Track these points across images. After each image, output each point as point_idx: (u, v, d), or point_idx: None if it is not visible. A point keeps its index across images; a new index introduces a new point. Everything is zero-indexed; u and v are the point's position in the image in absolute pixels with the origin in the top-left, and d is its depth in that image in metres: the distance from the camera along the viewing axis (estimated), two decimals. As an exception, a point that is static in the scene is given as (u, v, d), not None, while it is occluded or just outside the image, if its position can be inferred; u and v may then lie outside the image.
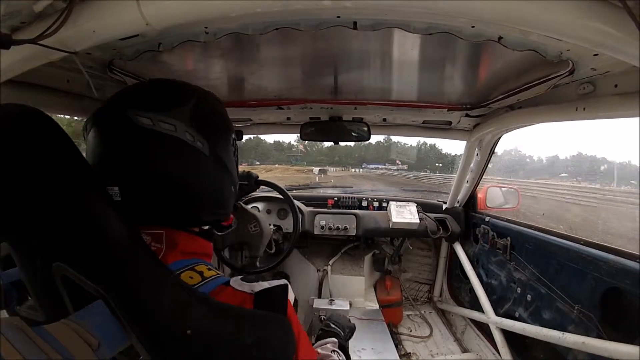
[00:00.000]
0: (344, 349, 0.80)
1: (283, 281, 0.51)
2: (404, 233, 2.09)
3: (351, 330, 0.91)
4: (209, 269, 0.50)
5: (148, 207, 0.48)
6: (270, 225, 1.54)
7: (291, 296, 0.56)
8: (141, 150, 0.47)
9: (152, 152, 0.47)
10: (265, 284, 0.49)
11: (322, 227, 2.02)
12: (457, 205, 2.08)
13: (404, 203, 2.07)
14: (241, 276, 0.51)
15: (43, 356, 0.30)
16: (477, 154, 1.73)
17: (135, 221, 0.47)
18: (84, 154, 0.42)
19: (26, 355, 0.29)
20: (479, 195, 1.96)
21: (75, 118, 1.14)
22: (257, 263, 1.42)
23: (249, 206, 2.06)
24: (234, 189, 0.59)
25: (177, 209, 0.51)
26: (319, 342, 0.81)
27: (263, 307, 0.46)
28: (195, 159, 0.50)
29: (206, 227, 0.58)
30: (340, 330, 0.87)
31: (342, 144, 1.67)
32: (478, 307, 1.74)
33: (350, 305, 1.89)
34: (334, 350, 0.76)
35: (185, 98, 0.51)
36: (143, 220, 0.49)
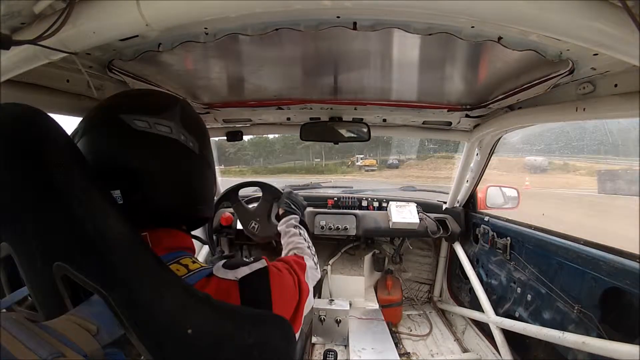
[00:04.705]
0: (303, 222, 0.96)
1: (262, 263, 0.52)
2: (404, 233, 2.09)
3: (304, 207, 1.08)
4: (194, 262, 0.51)
5: (149, 208, 0.49)
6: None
7: None
8: (141, 152, 0.48)
9: (152, 154, 0.49)
10: (246, 269, 0.50)
11: (322, 227, 2.02)
12: (457, 205, 2.08)
13: (404, 203, 2.07)
14: (222, 262, 0.51)
15: (45, 344, 0.30)
16: (477, 154, 1.73)
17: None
18: None
19: (28, 344, 0.29)
20: (479, 195, 1.96)
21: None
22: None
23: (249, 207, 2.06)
24: (215, 188, 0.63)
25: (175, 208, 0.52)
26: (284, 220, 0.95)
27: (248, 294, 0.48)
28: (189, 158, 0.53)
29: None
30: (298, 209, 1.01)
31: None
32: (478, 307, 1.74)
33: (350, 305, 1.89)
34: (296, 226, 0.90)
35: (172, 103, 0.54)
36: (138, 223, 0.49)
